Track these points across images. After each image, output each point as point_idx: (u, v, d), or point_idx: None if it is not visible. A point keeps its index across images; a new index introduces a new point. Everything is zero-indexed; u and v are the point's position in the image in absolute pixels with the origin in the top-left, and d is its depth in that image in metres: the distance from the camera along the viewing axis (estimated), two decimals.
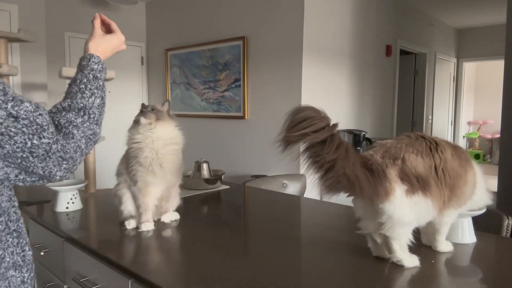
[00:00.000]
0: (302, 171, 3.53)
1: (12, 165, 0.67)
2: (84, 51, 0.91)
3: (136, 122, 1.36)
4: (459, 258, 1.08)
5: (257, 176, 2.99)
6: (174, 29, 4.61)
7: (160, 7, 4.78)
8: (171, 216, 1.43)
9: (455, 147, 1.03)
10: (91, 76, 0.83)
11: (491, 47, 6.51)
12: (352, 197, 1.00)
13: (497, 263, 1.10)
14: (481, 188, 1.07)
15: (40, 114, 0.68)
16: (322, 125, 0.88)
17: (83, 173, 3.01)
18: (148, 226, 1.32)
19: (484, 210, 1.16)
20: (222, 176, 2.04)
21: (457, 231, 1.17)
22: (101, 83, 0.84)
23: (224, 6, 4.02)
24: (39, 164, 0.68)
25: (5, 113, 0.63)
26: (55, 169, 0.70)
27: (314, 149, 0.89)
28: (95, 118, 0.79)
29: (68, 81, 4.67)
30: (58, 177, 0.72)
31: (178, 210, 1.50)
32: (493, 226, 1.40)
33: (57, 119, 0.73)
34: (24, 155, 0.66)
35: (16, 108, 0.64)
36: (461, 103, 7.11)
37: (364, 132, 3.83)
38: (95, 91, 0.81)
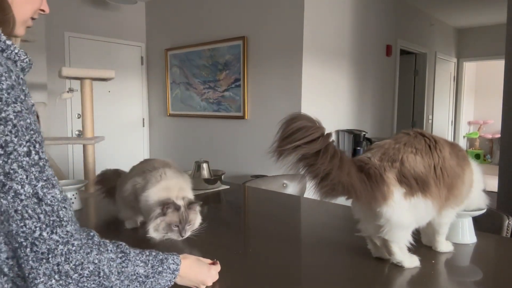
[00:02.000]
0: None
1: (9, 246, 0.59)
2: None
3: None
4: (459, 258, 1.08)
5: (257, 176, 2.99)
6: (174, 29, 4.61)
7: (160, 7, 4.78)
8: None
9: (452, 145, 1.02)
10: (157, 271, 0.74)
11: (491, 47, 6.51)
12: (351, 199, 1.00)
13: (497, 263, 1.09)
14: (478, 187, 1.07)
15: (64, 207, 0.60)
16: (315, 136, 0.86)
17: (83, 173, 3.00)
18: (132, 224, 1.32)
19: (484, 210, 1.16)
20: (222, 176, 2.03)
21: (457, 231, 1.17)
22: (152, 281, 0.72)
23: (224, 6, 4.02)
24: (31, 263, 0.56)
25: (31, 191, 0.56)
26: (41, 280, 0.56)
27: (307, 160, 0.88)
28: (103, 278, 0.62)
29: (68, 81, 4.63)
30: None
31: None
32: (493, 226, 1.40)
33: (88, 238, 0.63)
34: (24, 243, 0.56)
35: (45, 190, 0.57)
36: (461, 103, 7.10)
37: (364, 132, 3.83)
38: (130, 284, 0.68)
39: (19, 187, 0.55)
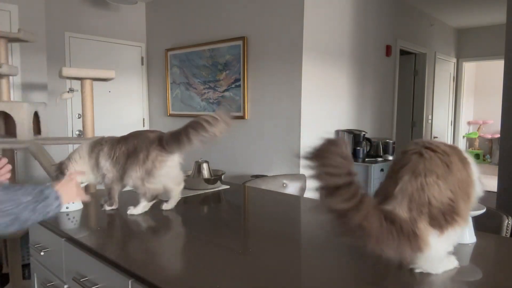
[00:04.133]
0: (302, 171, 3.53)
1: None
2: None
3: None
4: (459, 258, 1.08)
5: (257, 176, 2.99)
6: (174, 29, 4.61)
7: (160, 7, 4.78)
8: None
9: (455, 150, 0.99)
10: (40, 197, 0.94)
11: (491, 47, 6.51)
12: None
13: (497, 263, 1.10)
14: (477, 184, 1.05)
15: None
16: (341, 172, 0.83)
17: None
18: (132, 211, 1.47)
19: (484, 210, 1.16)
20: (222, 176, 2.04)
21: None
22: (47, 210, 0.96)
23: (224, 6, 4.02)
24: None
25: None
26: None
27: (327, 191, 0.84)
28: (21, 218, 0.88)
29: (68, 81, 4.63)
30: None
31: (177, 210, 1.50)
32: (493, 226, 1.40)
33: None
34: None
35: None
36: (461, 103, 7.11)
37: (364, 132, 3.83)
38: (31, 206, 0.91)
39: None
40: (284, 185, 2.34)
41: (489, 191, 3.98)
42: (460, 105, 7.10)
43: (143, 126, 5.00)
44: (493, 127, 8.05)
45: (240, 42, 3.85)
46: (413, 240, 0.86)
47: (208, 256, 1.10)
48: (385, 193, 0.94)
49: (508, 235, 1.39)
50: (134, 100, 4.91)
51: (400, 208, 0.88)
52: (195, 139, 1.39)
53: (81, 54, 4.30)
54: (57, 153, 4.17)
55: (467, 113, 7.87)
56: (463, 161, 0.97)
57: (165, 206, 1.56)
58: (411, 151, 0.95)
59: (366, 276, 0.98)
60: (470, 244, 1.17)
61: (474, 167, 1.01)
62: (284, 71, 3.55)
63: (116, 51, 4.68)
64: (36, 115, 2.43)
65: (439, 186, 0.88)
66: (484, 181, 1.12)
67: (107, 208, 1.54)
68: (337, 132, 3.89)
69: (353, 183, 0.84)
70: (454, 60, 6.78)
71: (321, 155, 0.83)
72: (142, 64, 4.98)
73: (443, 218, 0.88)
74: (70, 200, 1.10)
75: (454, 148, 1.00)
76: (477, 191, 1.03)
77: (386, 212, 0.88)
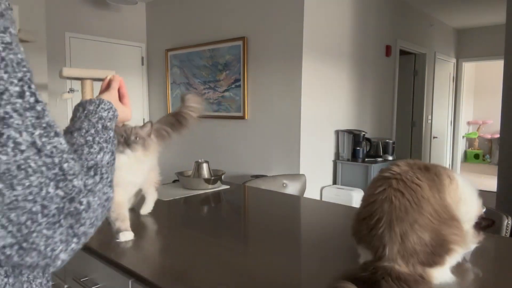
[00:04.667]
0: (302, 171, 3.54)
1: (7, 226, 0.44)
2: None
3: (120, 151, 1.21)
4: None
5: (257, 176, 2.99)
6: (174, 29, 4.61)
7: (160, 7, 4.79)
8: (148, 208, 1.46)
9: (427, 175, 0.96)
10: (100, 125, 0.66)
11: (490, 47, 6.52)
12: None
13: (497, 263, 1.10)
14: (467, 198, 1.02)
15: (72, 159, 0.50)
16: None
17: None
18: (127, 235, 1.24)
19: (483, 210, 1.16)
20: (222, 176, 2.04)
21: None
22: (111, 135, 0.67)
23: (224, 6, 4.03)
24: (44, 231, 0.45)
25: (29, 140, 0.45)
26: (60, 247, 0.48)
27: None
28: (109, 179, 0.58)
29: (69, 82, 4.64)
30: (59, 262, 0.49)
31: (177, 210, 1.50)
32: (493, 226, 1.41)
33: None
34: (34, 209, 0.44)
35: (44, 140, 0.46)
36: (461, 103, 7.11)
37: (364, 132, 3.83)
38: (105, 144, 0.63)
39: (17, 135, 0.44)
40: (284, 185, 2.34)
41: (489, 191, 3.98)
42: (460, 105, 7.10)
43: None
44: (493, 127, 8.06)
45: (240, 42, 3.85)
46: (423, 283, 0.88)
47: (208, 256, 1.10)
48: (374, 246, 0.93)
49: (508, 235, 1.40)
50: (134, 100, 4.91)
51: (398, 265, 0.89)
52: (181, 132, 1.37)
53: (81, 54, 4.30)
54: None
55: (466, 113, 7.88)
56: (439, 184, 0.96)
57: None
58: (381, 196, 0.94)
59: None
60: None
61: (460, 183, 0.99)
62: (284, 71, 3.56)
63: (116, 51, 4.68)
64: None
65: (416, 232, 0.89)
66: (484, 181, 1.11)
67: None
68: (337, 132, 3.90)
69: None
70: (454, 60, 6.79)
71: None
72: (142, 64, 4.99)
73: (437, 255, 0.89)
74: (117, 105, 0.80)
75: (427, 171, 0.97)
76: (469, 203, 1.01)
77: (391, 273, 0.89)
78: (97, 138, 0.63)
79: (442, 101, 6.47)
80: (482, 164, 7.96)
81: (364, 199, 1.00)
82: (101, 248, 1.16)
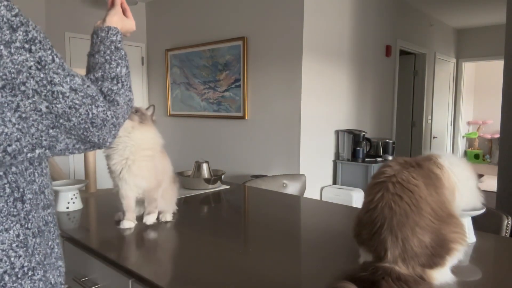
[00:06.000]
0: (302, 171, 3.54)
1: (73, 137, 0.70)
2: (103, 22, 0.91)
3: None
4: None
5: (257, 176, 2.99)
6: (174, 29, 4.61)
7: (160, 7, 4.79)
8: (152, 218, 1.40)
9: (421, 172, 0.96)
10: (113, 47, 0.85)
11: (490, 47, 6.52)
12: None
13: (497, 263, 1.10)
14: (465, 187, 1.03)
15: (88, 86, 0.71)
16: None
17: (83, 173, 3.01)
18: (126, 224, 1.34)
19: (483, 210, 1.16)
20: (222, 176, 2.04)
21: None
22: (123, 53, 0.86)
23: (224, 6, 4.03)
24: (96, 133, 0.71)
25: (68, 87, 0.66)
26: (107, 136, 0.74)
27: None
28: (128, 85, 0.82)
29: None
30: (108, 143, 0.75)
31: (178, 210, 1.50)
32: (493, 226, 1.41)
33: (99, 88, 0.76)
34: (87, 126, 0.69)
35: (73, 82, 0.67)
36: (461, 103, 7.11)
37: (364, 132, 3.83)
38: (120, 61, 0.83)
39: (61, 88, 0.65)
40: (284, 185, 2.34)
41: (489, 191, 3.99)
42: (460, 105, 7.10)
43: None
44: (493, 127, 8.06)
45: (240, 42, 3.85)
46: (423, 283, 0.88)
47: (208, 256, 1.10)
48: (375, 250, 0.93)
49: (508, 235, 1.40)
50: (134, 100, 4.90)
51: (399, 267, 0.90)
52: None
53: (81, 54, 4.30)
54: None
55: (466, 113, 7.88)
56: (435, 179, 0.96)
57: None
58: (380, 203, 0.93)
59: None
60: (470, 244, 1.17)
61: (458, 170, 1.00)
62: (284, 71, 3.56)
63: None
64: None
65: (417, 235, 0.89)
66: (484, 181, 1.12)
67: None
68: (337, 132, 3.90)
69: None
70: (454, 60, 6.79)
71: None
72: (142, 64, 4.99)
73: (438, 256, 0.89)
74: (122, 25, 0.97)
75: (420, 168, 0.97)
76: (465, 191, 1.02)
77: (391, 273, 0.89)
78: (113, 57, 0.83)
79: (442, 101, 6.47)
80: (482, 164, 7.96)
81: (364, 205, 1.00)
82: (101, 248, 1.16)
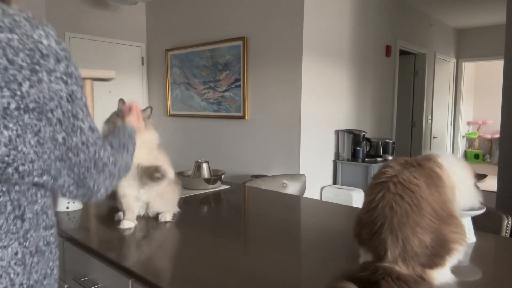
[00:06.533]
0: (302, 171, 3.54)
1: (72, 175, 0.71)
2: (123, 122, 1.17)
3: (111, 122, 1.35)
4: None
5: (257, 176, 2.99)
6: (174, 29, 4.61)
7: (160, 7, 4.79)
8: (166, 217, 1.43)
9: (422, 168, 0.96)
10: (127, 136, 1.00)
11: (490, 47, 6.52)
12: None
13: (497, 263, 1.10)
14: (464, 186, 1.04)
15: (97, 130, 0.76)
16: None
17: None
18: (126, 224, 1.34)
19: (483, 210, 1.16)
20: (222, 176, 2.04)
21: None
22: (134, 141, 1.02)
23: (224, 6, 4.03)
24: (94, 176, 0.74)
25: (88, 125, 0.71)
26: (102, 184, 0.76)
27: None
28: (131, 155, 0.94)
29: None
30: (99, 194, 0.77)
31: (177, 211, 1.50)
32: (493, 226, 1.41)
33: (109, 141, 0.86)
34: (90, 165, 0.72)
35: (92, 123, 0.72)
36: (461, 103, 7.11)
37: (364, 132, 3.83)
38: (131, 146, 0.97)
39: (82, 124, 0.69)
40: (284, 185, 2.34)
41: (489, 191, 3.99)
42: (460, 105, 7.10)
43: None
44: (493, 127, 8.06)
45: (240, 42, 3.85)
46: (423, 283, 0.88)
47: (208, 256, 1.10)
48: (375, 250, 0.93)
49: (508, 235, 1.40)
50: (134, 100, 4.91)
51: (399, 267, 0.89)
52: None
53: (81, 54, 4.30)
54: None
55: (466, 113, 7.88)
56: (436, 179, 0.96)
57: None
58: (381, 202, 0.93)
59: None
60: (470, 244, 1.17)
61: (449, 169, 1.00)
62: (284, 71, 3.56)
63: (116, 51, 4.68)
64: None
65: (417, 235, 0.89)
66: (484, 181, 1.12)
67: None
68: (337, 132, 3.90)
69: None
70: (454, 60, 6.79)
71: None
72: (142, 64, 4.99)
73: (438, 256, 0.89)
74: (138, 128, 1.22)
75: (421, 167, 0.97)
76: (464, 190, 1.02)
77: (391, 273, 0.89)
78: (128, 143, 0.96)
79: (442, 101, 6.47)
80: (482, 164, 7.96)
81: (364, 205, 1.00)
82: (101, 248, 1.16)
